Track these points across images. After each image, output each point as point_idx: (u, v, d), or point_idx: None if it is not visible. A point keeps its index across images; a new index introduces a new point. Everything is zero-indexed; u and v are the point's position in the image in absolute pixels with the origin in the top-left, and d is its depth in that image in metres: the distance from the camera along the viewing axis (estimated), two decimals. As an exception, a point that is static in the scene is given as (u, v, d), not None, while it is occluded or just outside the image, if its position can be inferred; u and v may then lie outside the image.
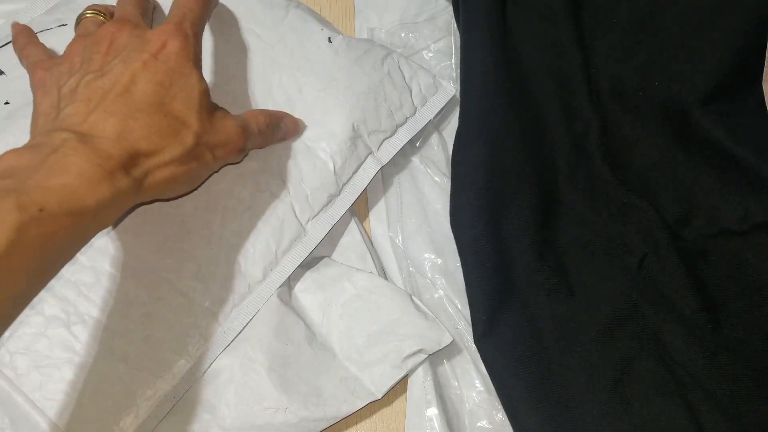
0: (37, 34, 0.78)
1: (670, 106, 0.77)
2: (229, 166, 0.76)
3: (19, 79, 0.79)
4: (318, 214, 0.77)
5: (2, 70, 0.80)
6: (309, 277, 0.78)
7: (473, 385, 0.76)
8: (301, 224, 0.76)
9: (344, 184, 0.79)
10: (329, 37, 0.82)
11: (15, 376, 0.68)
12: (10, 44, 0.80)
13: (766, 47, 0.77)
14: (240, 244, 0.74)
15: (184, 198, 0.74)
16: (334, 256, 0.81)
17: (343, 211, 0.79)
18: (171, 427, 0.71)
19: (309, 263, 0.79)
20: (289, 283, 0.78)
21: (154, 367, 0.69)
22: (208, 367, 0.72)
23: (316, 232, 0.77)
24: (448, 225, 0.79)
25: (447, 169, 0.83)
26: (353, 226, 0.82)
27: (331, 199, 0.78)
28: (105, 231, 0.73)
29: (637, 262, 0.73)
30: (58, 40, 0.79)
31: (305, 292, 0.78)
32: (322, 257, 0.80)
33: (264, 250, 0.75)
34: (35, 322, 0.70)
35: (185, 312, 0.71)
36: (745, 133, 0.75)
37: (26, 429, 0.67)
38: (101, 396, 0.68)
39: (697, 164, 0.75)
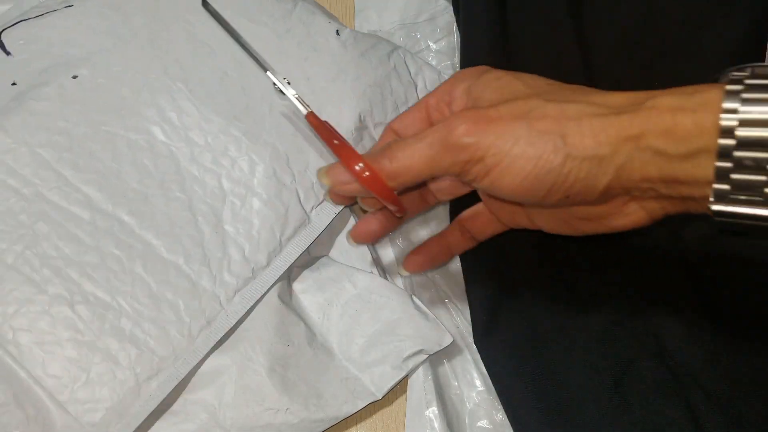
0: (44, 15, 0.80)
1: (670, 106, 0.77)
2: None
3: (25, 61, 0.80)
4: (322, 202, 0.78)
5: (9, 51, 0.80)
6: (309, 277, 0.78)
7: (473, 385, 0.76)
8: (306, 212, 0.77)
9: None
10: (337, 30, 0.84)
11: (18, 353, 0.68)
12: (19, 24, 0.81)
13: (766, 47, 0.77)
14: (245, 230, 0.75)
15: (192, 183, 0.76)
16: (335, 255, 0.82)
17: None
18: (171, 427, 0.72)
19: (309, 263, 0.80)
20: (290, 283, 0.78)
21: (157, 347, 0.70)
22: (211, 352, 0.72)
23: (320, 220, 0.78)
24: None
25: (447, 169, 0.83)
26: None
27: None
28: (109, 211, 0.73)
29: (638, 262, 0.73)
30: (64, 22, 0.80)
31: (305, 292, 0.78)
32: (322, 257, 0.80)
33: (269, 237, 0.75)
34: (39, 300, 0.70)
35: (190, 295, 0.72)
36: (745, 132, 0.75)
37: (28, 404, 0.67)
38: (103, 374, 0.68)
39: (696, 164, 0.75)
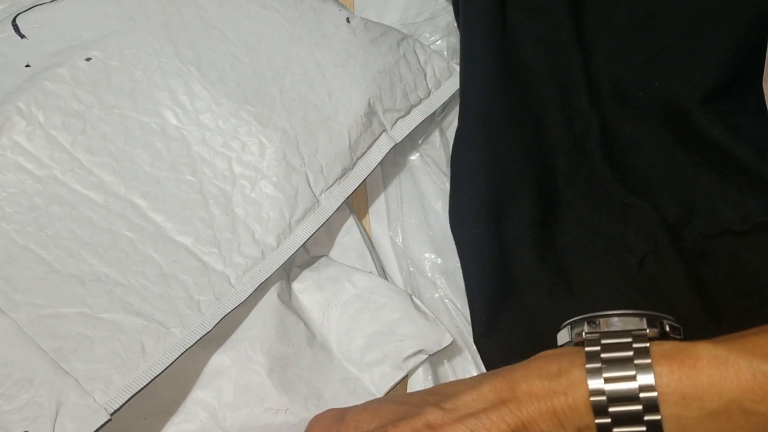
0: (58, 0, 0.82)
1: (670, 106, 0.78)
2: None
3: (39, 44, 0.81)
4: (332, 186, 0.79)
5: (24, 34, 0.82)
6: (309, 277, 0.79)
7: (473, 384, 0.76)
8: (315, 195, 0.78)
9: (358, 159, 0.81)
10: (347, 18, 0.85)
11: (24, 323, 0.68)
12: (33, 9, 0.83)
13: (766, 47, 0.77)
14: (255, 213, 0.76)
15: (202, 166, 0.77)
16: (334, 255, 0.82)
17: (356, 185, 0.80)
18: (171, 427, 0.72)
19: (309, 263, 0.80)
20: (290, 283, 0.79)
21: (165, 319, 0.70)
22: (219, 322, 0.72)
23: (329, 203, 0.79)
24: (449, 225, 0.80)
25: (448, 169, 0.84)
26: (353, 225, 0.83)
27: (345, 172, 0.80)
28: (122, 194, 0.75)
29: (637, 262, 0.73)
30: (78, 6, 0.83)
31: (305, 292, 0.79)
32: (322, 257, 0.81)
33: (278, 219, 0.76)
34: (51, 278, 0.70)
35: (199, 273, 0.72)
36: (745, 133, 0.75)
37: (29, 370, 0.66)
38: (108, 339, 0.68)
39: (697, 164, 0.75)
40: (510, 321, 0.73)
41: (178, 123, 0.78)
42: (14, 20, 0.82)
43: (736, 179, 0.74)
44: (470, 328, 0.76)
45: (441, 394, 0.61)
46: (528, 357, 0.66)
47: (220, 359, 0.73)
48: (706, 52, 0.78)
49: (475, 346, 0.75)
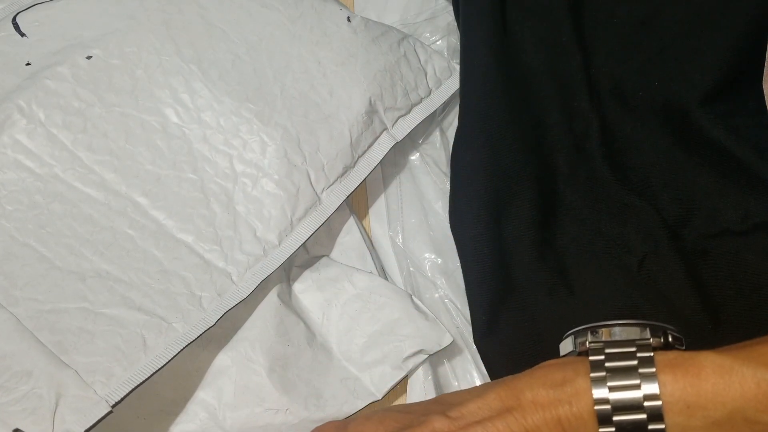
0: (40, 5, 0.82)
1: (670, 106, 0.78)
2: None
3: (40, 42, 0.81)
4: (333, 184, 0.79)
5: (24, 32, 0.82)
6: (309, 277, 0.79)
7: (473, 385, 0.76)
8: (316, 193, 0.78)
9: (360, 157, 0.81)
10: (348, 17, 0.85)
11: (23, 317, 0.67)
12: (33, 7, 0.83)
13: (766, 47, 0.78)
14: (256, 210, 0.76)
15: (203, 164, 0.77)
16: (334, 255, 0.83)
17: (358, 183, 0.80)
18: (171, 427, 0.72)
19: (309, 263, 0.80)
20: (290, 283, 0.79)
21: (167, 314, 0.70)
22: (219, 319, 0.71)
23: (331, 201, 0.79)
24: (449, 225, 0.80)
25: (448, 169, 0.84)
26: (353, 225, 0.83)
27: (347, 170, 0.80)
28: (123, 192, 0.75)
29: (637, 262, 0.73)
30: (78, 5, 0.83)
31: (305, 292, 0.79)
32: (322, 257, 0.81)
33: (280, 217, 0.76)
34: (51, 275, 0.70)
35: (201, 270, 0.72)
36: (745, 133, 0.75)
37: (28, 362, 0.65)
38: (108, 334, 0.68)
39: (697, 164, 0.75)
40: (510, 321, 0.73)
41: (179, 121, 0.78)
42: (14, 19, 0.82)
43: (736, 179, 0.74)
44: (470, 328, 0.76)
45: (445, 403, 0.61)
46: (528, 357, 0.67)
47: (220, 359, 0.73)
48: (706, 52, 0.78)
49: (475, 346, 0.75)
